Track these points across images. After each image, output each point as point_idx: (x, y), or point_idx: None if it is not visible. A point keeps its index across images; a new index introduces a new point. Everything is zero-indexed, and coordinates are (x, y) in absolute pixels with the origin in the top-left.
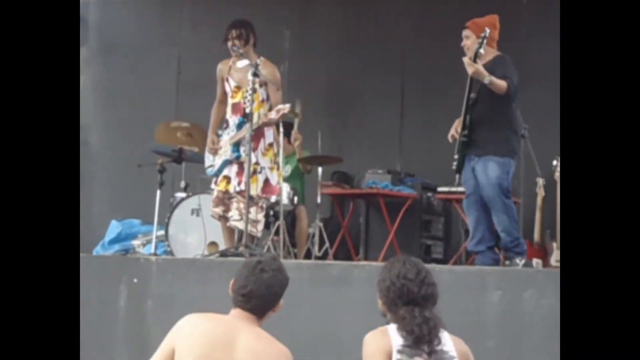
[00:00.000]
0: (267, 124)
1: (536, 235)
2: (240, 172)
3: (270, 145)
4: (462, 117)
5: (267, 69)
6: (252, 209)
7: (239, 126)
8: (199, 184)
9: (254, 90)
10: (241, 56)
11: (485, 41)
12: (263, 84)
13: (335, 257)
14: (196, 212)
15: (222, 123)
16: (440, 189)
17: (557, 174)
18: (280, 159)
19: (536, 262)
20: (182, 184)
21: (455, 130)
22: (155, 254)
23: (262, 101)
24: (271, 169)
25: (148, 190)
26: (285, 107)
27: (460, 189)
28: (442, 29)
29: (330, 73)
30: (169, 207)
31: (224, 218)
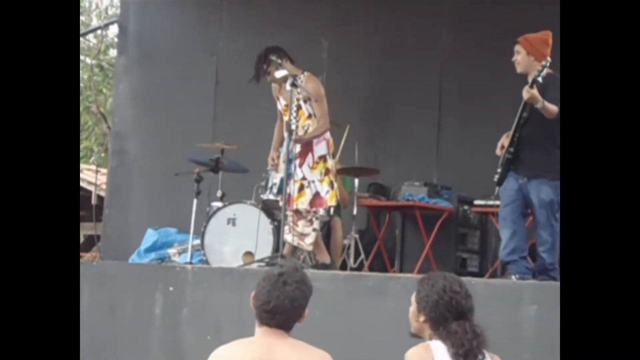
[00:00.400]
0: (299, 140)
1: None
2: (290, 192)
3: (321, 157)
4: (511, 134)
5: (310, 83)
6: (300, 223)
7: (288, 144)
8: (236, 194)
9: (299, 107)
10: (279, 66)
11: (544, 70)
12: (307, 100)
13: (371, 269)
14: (232, 221)
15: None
16: (476, 202)
17: None
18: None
19: None
20: (219, 194)
21: (501, 145)
22: (191, 263)
23: (309, 116)
24: (321, 181)
25: (185, 199)
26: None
27: (497, 202)
28: (481, 38)
29: (368, 83)
30: (206, 217)
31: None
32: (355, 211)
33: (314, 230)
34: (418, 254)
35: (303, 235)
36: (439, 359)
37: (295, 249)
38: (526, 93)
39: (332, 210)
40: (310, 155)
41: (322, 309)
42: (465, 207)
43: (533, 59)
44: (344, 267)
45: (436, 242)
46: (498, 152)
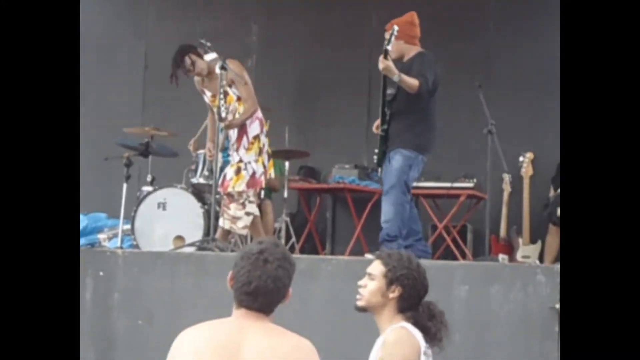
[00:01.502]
0: (231, 126)
1: (502, 231)
2: (224, 176)
3: (255, 137)
4: (380, 111)
5: (232, 66)
6: (232, 206)
7: (221, 131)
8: (166, 178)
9: (226, 93)
10: (208, 49)
11: (393, 38)
12: (231, 84)
13: (302, 252)
14: (162, 206)
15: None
16: None
17: (524, 170)
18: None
19: (502, 257)
20: (149, 178)
21: (375, 125)
22: (121, 248)
23: (238, 99)
24: (256, 161)
25: (114, 183)
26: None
27: (427, 184)
28: None
29: (298, 67)
30: (136, 201)
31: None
32: (286, 194)
33: (247, 214)
34: (349, 236)
35: (235, 218)
36: (421, 342)
37: (228, 233)
38: (380, 63)
39: (262, 193)
40: (245, 138)
41: None
42: None
43: (403, 42)
44: None
45: (367, 224)
46: (374, 130)
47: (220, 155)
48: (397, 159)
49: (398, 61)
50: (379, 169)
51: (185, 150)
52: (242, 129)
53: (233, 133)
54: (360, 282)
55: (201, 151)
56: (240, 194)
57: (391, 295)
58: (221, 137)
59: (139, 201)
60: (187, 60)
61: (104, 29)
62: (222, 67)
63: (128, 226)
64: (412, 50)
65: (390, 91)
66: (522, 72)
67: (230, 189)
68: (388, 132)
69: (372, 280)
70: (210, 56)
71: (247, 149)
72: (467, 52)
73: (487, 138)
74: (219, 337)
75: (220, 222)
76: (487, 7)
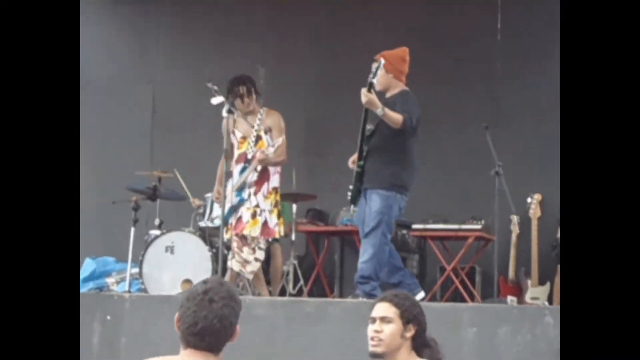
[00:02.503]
0: (263, 160)
1: (511, 273)
2: (239, 218)
3: (274, 189)
4: (358, 146)
5: (271, 117)
6: (245, 249)
7: (241, 173)
8: (174, 222)
9: (259, 138)
10: (215, 93)
11: (378, 71)
12: (268, 131)
13: (310, 295)
14: (170, 249)
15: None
16: (414, 226)
17: (532, 211)
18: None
19: (511, 299)
20: (157, 222)
21: (353, 159)
22: (129, 292)
23: (268, 147)
24: (271, 212)
25: (122, 227)
26: (278, 141)
27: (435, 226)
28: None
29: (306, 111)
30: (144, 245)
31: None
32: (294, 237)
33: (256, 259)
34: None
35: (246, 262)
36: None
37: (237, 276)
38: (363, 97)
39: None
40: (266, 185)
41: (262, 336)
42: (404, 231)
43: (392, 77)
44: (283, 293)
45: None
46: (350, 165)
47: (235, 194)
48: (375, 200)
49: (381, 95)
50: (351, 207)
51: (192, 194)
52: (265, 175)
53: (252, 176)
54: (375, 328)
55: (209, 194)
56: (253, 238)
57: (407, 335)
58: (243, 175)
59: (147, 245)
60: (242, 89)
61: (112, 72)
62: (229, 111)
63: (136, 270)
64: (397, 87)
65: (369, 127)
66: (530, 114)
67: (245, 232)
68: (364, 169)
69: (388, 323)
70: (217, 100)
71: (265, 197)
72: (474, 94)
73: (495, 179)
74: None
75: (230, 264)
76: (494, 49)
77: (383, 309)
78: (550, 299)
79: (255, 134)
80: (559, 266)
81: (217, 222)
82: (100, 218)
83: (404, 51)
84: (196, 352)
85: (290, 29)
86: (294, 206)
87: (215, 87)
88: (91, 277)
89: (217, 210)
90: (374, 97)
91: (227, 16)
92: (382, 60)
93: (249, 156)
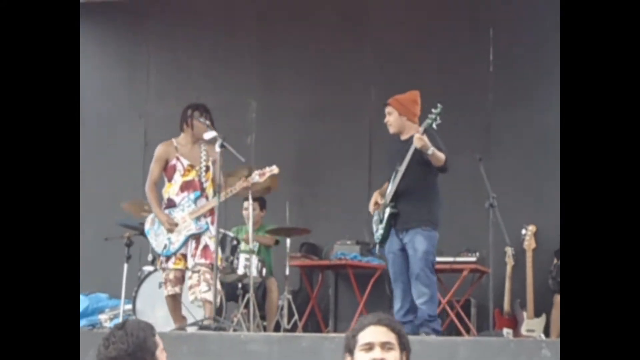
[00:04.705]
0: (247, 188)
1: (506, 305)
2: (197, 247)
3: None
4: (394, 188)
5: (213, 150)
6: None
7: (196, 201)
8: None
9: (207, 168)
10: (208, 128)
11: (438, 117)
12: (214, 163)
13: (305, 329)
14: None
15: (162, 202)
16: None
17: (527, 243)
18: (250, 230)
19: (507, 331)
20: (150, 257)
21: (375, 201)
22: None
23: (213, 179)
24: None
25: (115, 263)
26: (273, 169)
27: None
28: None
29: (298, 143)
30: (137, 281)
31: (175, 296)
32: (287, 271)
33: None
34: (352, 313)
35: (219, 292)
36: None
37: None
38: (418, 141)
39: (264, 271)
40: (214, 215)
41: None
42: None
43: (405, 119)
44: (277, 328)
45: (370, 300)
46: (371, 209)
47: (192, 222)
48: (420, 241)
49: (396, 138)
50: (377, 246)
51: None
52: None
53: (204, 204)
54: (376, 356)
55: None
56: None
57: None
58: (208, 205)
59: (140, 281)
60: (193, 114)
61: (103, 106)
62: (222, 146)
63: (129, 306)
64: (412, 129)
65: (398, 167)
66: (523, 145)
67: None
68: (398, 210)
69: (389, 350)
70: (209, 134)
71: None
72: (467, 125)
73: (489, 212)
74: None
75: (209, 296)
76: (486, 80)
77: (383, 333)
78: (546, 331)
79: (204, 164)
80: (555, 297)
81: (166, 252)
82: (93, 254)
83: (415, 94)
84: None
85: (280, 62)
86: (287, 240)
87: (207, 122)
88: (84, 314)
89: (163, 240)
90: (426, 139)
91: (216, 50)
92: (440, 107)
93: (205, 185)
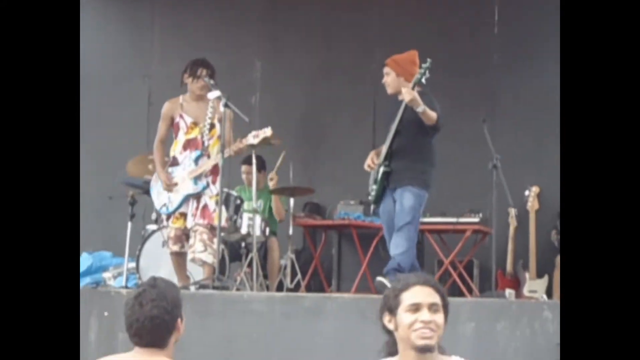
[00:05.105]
0: (243, 150)
1: (509, 266)
2: (197, 207)
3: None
4: (387, 146)
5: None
6: (214, 240)
7: (197, 160)
8: None
9: (212, 126)
10: (212, 87)
11: (427, 72)
12: (219, 120)
13: (308, 289)
14: (167, 244)
15: (167, 160)
16: None
17: (530, 204)
18: (254, 191)
19: (509, 292)
20: (153, 216)
21: (371, 160)
22: (126, 287)
23: (218, 137)
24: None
25: (119, 222)
26: (266, 131)
27: (433, 219)
28: None
29: (302, 104)
30: (140, 239)
31: (179, 254)
32: (291, 231)
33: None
34: (355, 273)
35: (215, 252)
36: None
37: (213, 269)
38: (407, 94)
39: (267, 230)
40: (218, 174)
41: (259, 331)
42: None
43: (403, 80)
44: (280, 287)
45: (373, 260)
46: (367, 167)
47: (191, 181)
48: (408, 197)
49: (393, 98)
50: (373, 205)
51: None
52: (216, 166)
53: (203, 163)
54: (425, 318)
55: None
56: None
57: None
58: (205, 165)
59: (144, 240)
60: (202, 72)
61: (107, 66)
62: (226, 105)
63: (133, 264)
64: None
65: (391, 126)
66: (527, 106)
67: (215, 222)
68: (391, 168)
69: (436, 312)
70: (214, 94)
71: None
72: (471, 87)
73: (493, 173)
74: None
75: (204, 256)
76: (490, 43)
77: (430, 295)
78: (548, 293)
79: (209, 122)
80: (557, 258)
81: (164, 210)
82: (97, 212)
83: (413, 54)
84: (141, 349)
85: (285, 22)
86: (292, 200)
87: (212, 81)
88: (88, 272)
89: (163, 199)
90: (416, 95)
91: (221, 10)
92: (429, 60)
93: (206, 143)
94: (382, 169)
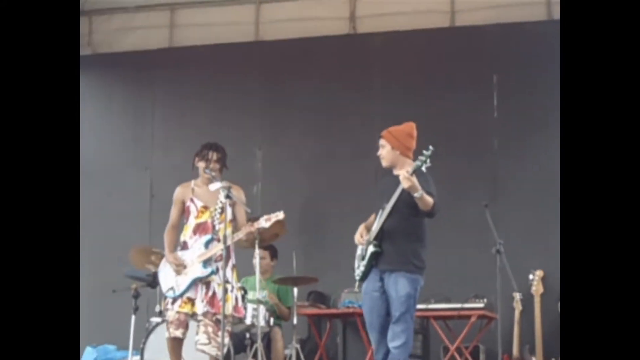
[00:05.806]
0: (253, 234)
1: (515, 350)
2: (207, 292)
3: (234, 266)
4: (379, 226)
5: (237, 192)
6: (219, 333)
7: (207, 244)
8: None
9: (222, 210)
10: (213, 179)
11: (428, 160)
12: (232, 205)
13: None
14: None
15: (177, 245)
16: (417, 306)
17: (534, 288)
18: (257, 278)
19: None
20: (157, 309)
21: (360, 235)
22: None
23: (230, 221)
24: (237, 289)
25: (123, 315)
26: (278, 215)
27: (438, 305)
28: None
29: (304, 191)
30: (145, 332)
31: (178, 341)
32: (295, 320)
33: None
34: None
35: (218, 345)
36: None
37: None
38: (406, 181)
39: (272, 321)
40: (231, 260)
41: None
42: None
43: (398, 153)
44: None
45: None
46: (357, 240)
47: (199, 265)
48: (403, 285)
49: (389, 172)
50: (356, 284)
51: None
52: (229, 250)
53: (213, 247)
54: None
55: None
56: (228, 317)
57: None
58: (213, 247)
59: (148, 332)
60: (213, 155)
61: (109, 159)
62: (227, 196)
63: (137, 358)
64: (405, 164)
65: (385, 204)
66: (528, 189)
67: (220, 312)
68: (382, 249)
69: None
70: (215, 185)
71: (232, 272)
72: (472, 171)
73: (496, 257)
74: None
75: (208, 349)
76: (491, 126)
77: None
78: None
79: (220, 205)
80: None
81: (170, 294)
82: (100, 305)
83: (410, 127)
84: None
85: (285, 110)
86: (295, 289)
87: (213, 173)
88: None
89: (170, 282)
90: (416, 181)
91: (221, 99)
92: (431, 148)
93: (217, 227)
94: (371, 248)
